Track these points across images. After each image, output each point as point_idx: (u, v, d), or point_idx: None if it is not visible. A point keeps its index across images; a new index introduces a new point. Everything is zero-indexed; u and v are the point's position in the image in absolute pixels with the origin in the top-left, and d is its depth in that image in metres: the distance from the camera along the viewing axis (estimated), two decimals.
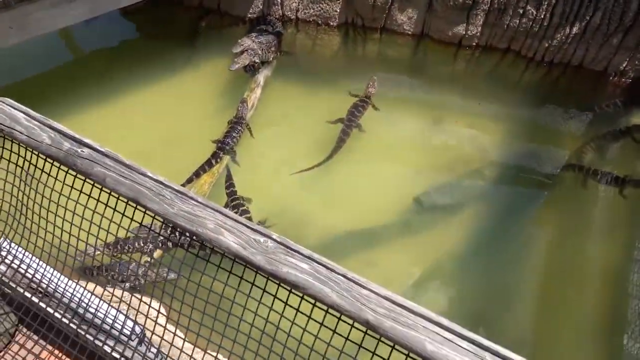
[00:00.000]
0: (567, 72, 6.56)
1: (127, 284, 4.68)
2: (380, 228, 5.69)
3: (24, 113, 2.28)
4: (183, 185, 5.56)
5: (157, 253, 4.92)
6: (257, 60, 6.67)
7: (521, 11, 6.27)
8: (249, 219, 5.21)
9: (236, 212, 5.25)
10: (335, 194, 5.93)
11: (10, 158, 2.49)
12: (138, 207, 2.02)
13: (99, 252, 4.80)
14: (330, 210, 5.84)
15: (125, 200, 2.10)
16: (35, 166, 2.39)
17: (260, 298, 2.05)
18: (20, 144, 2.34)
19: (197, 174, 5.65)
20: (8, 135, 2.29)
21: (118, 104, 6.74)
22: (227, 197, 5.45)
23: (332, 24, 7.30)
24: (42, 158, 2.33)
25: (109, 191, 2.11)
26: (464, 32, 6.68)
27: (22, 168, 2.46)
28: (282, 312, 2.01)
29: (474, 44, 6.81)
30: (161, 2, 7.52)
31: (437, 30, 6.85)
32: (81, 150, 2.11)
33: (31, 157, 2.38)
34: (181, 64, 7.29)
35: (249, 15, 7.51)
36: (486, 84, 6.85)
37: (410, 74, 7.18)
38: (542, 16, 6.20)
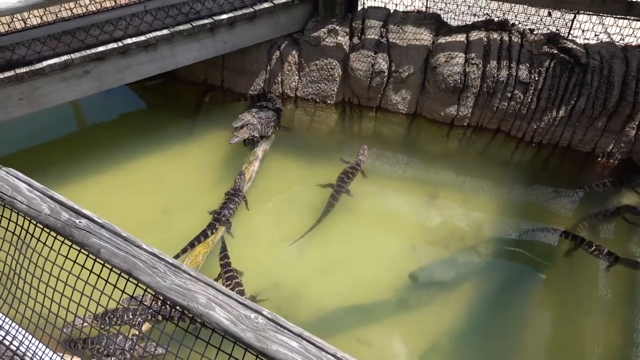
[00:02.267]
0: (556, 153, 6.77)
1: (113, 359, 4.52)
2: (374, 304, 5.61)
3: (26, 183, 2.35)
4: (178, 255, 5.54)
5: (145, 326, 4.80)
6: (256, 135, 6.89)
7: (509, 95, 6.59)
8: (241, 292, 5.15)
9: (229, 285, 5.19)
10: (330, 268, 5.90)
11: (7, 226, 2.52)
12: (130, 279, 2.03)
13: (86, 324, 4.69)
14: (324, 284, 5.79)
15: (118, 272, 2.11)
16: (32, 235, 2.42)
17: None
18: (19, 213, 2.39)
19: (192, 244, 5.66)
20: (9, 205, 2.34)
21: (120, 172, 6.89)
22: (220, 269, 5.41)
23: (329, 102, 7.62)
24: (39, 227, 2.36)
25: (102, 262, 2.12)
26: (455, 113, 6.97)
27: (17, 236, 2.48)
28: None
29: (465, 124, 7.08)
30: (167, 77, 7.87)
31: (430, 111, 7.15)
32: (79, 221, 2.15)
33: (28, 226, 2.41)
34: (183, 135, 7.52)
35: (250, 92, 7.86)
36: (478, 162, 7.04)
37: (405, 150, 7.40)
38: (529, 100, 6.51)
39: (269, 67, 7.60)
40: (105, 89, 6.32)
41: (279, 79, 7.62)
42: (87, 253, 2.18)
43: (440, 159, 7.18)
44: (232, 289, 5.13)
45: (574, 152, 6.71)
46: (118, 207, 6.42)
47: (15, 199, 2.29)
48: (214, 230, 5.82)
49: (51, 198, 2.27)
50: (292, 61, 7.48)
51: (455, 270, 5.87)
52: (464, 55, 6.61)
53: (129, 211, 6.40)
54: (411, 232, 6.32)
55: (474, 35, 6.63)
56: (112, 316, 4.86)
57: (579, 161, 6.69)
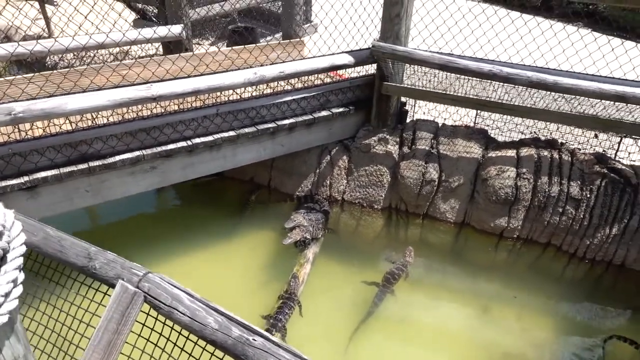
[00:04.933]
0: (610, 270, 6.73)
1: None
2: None
3: (185, 292, 2.27)
4: None
5: None
6: (308, 237, 6.87)
7: (560, 210, 6.70)
8: None
9: None
10: None
11: (149, 337, 2.40)
12: None
13: None
14: None
15: None
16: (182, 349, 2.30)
17: None
18: (166, 322, 2.28)
19: None
20: (166, 315, 2.24)
21: (159, 269, 6.70)
22: None
23: (376, 207, 7.70)
24: (187, 337, 2.25)
25: None
26: (505, 225, 7.03)
27: (162, 350, 2.35)
28: None
29: (515, 236, 7.11)
30: (216, 174, 8.00)
31: (479, 221, 7.22)
32: (252, 339, 2.05)
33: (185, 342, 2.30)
34: (226, 233, 7.46)
35: (297, 194, 7.96)
36: (529, 276, 6.96)
37: (452, 260, 7.34)
38: (582, 216, 6.61)
39: (318, 170, 7.78)
40: (167, 184, 6.40)
41: (328, 182, 7.77)
42: None
43: (489, 270, 7.10)
44: None
45: (629, 271, 6.68)
46: None
47: (176, 309, 2.21)
48: None
49: (216, 310, 2.19)
50: (341, 165, 7.69)
51: None
52: (515, 169, 6.83)
53: None
54: (465, 350, 6.05)
55: (524, 151, 6.90)
56: None
57: (634, 280, 6.64)
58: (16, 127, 5.09)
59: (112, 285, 2.38)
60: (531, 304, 6.60)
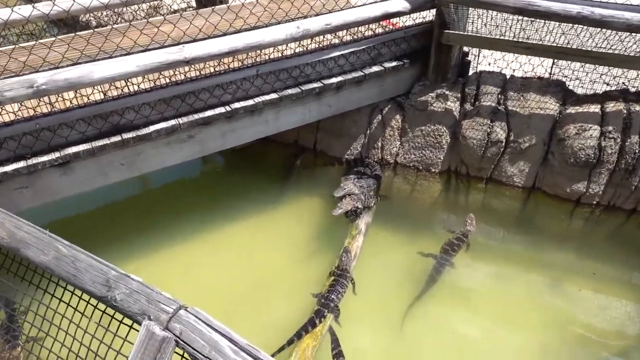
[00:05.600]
0: None
1: None
2: None
3: (227, 337, 1.75)
4: (283, 347, 4.87)
5: None
6: (359, 206, 6.30)
7: None
8: None
9: None
10: None
11: None
12: None
13: None
14: None
15: None
16: None
17: None
18: None
19: (299, 335, 4.97)
20: None
21: (200, 241, 6.32)
22: None
23: (433, 170, 6.99)
24: None
25: None
26: (583, 190, 6.20)
27: None
28: None
29: (595, 202, 6.29)
30: None
31: (552, 185, 6.41)
32: None
33: None
34: (271, 201, 6.99)
35: (346, 157, 7.34)
36: (609, 246, 6.19)
37: (519, 229, 6.62)
38: None
39: (368, 131, 7.09)
40: (206, 153, 5.92)
41: (379, 143, 7.08)
42: None
43: (562, 240, 6.35)
44: None
45: None
46: (204, 281, 5.85)
47: None
48: (322, 319, 5.14)
49: None
50: (394, 126, 6.95)
51: None
52: (598, 127, 5.90)
53: (217, 286, 5.83)
54: (537, 327, 5.44)
55: (611, 105, 5.93)
56: None
57: None
58: (41, 100, 4.66)
59: (137, 322, 1.89)
60: (611, 278, 5.87)
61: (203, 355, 1.73)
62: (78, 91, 4.81)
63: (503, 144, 6.41)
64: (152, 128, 5.24)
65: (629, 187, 6.01)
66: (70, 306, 2.34)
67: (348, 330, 5.25)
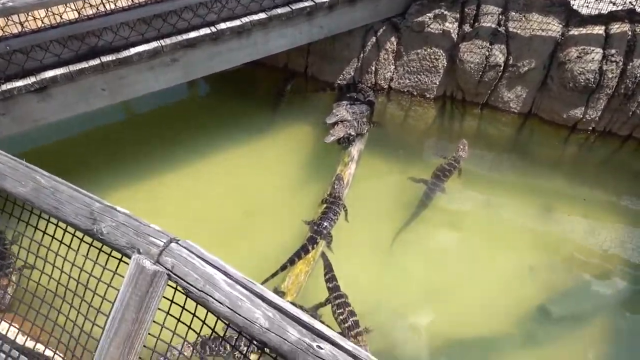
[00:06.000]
0: None
1: None
2: (495, 337, 4.93)
3: (222, 271, 1.68)
4: (277, 272, 4.93)
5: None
6: (352, 133, 6.16)
7: None
8: (356, 322, 4.50)
9: (341, 313, 4.55)
10: (436, 290, 5.23)
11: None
12: None
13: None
14: (432, 308, 5.12)
15: None
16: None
17: None
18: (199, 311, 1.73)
19: (291, 261, 5.02)
20: (198, 301, 1.68)
21: (191, 170, 6.19)
22: (328, 292, 4.79)
23: (428, 96, 6.79)
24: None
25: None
26: (580, 116, 6.09)
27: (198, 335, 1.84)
28: None
29: (591, 128, 6.20)
30: None
31: (549, 111, 6.28)
32: (318, 346, 1.48)
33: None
34: (260, 128, 6.79)
35: (338, 82, 7.07)
36: (601, 172, 6.20)
37: (513, 155, 6.57)
38: None
39: (362, 55, 6.77)
40: (192, 78, 5.63)
41: (373, 67, 6.81)
42: None
43: (554, 166, 6.34)
44: (345, 319, 4.52)
45: None
46: (194, 212, 5.76)
47: (210, 295, 1.63)
48: (314, 245, 5.17)
49: (264, 300, 1.60)
50: (389, 49, 6.64)
51: (590, 302, 5.14)
52: (601, 50, 5.67)
53: (207, 213, 5.77)
54: (526, 250, 5.56)
55: (616, 27, 5.66)
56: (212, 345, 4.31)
57: None
58: (10, 18, 4.28)
59: (127, 255, 1.80)
60: (600, 203, 5.93)
61: (197, 289, 1.66)
62: (49, 10, 4.43)
63: (501, 67, 6.19)
64: (133, 50, 4.91)
65: (627, 113, 5.90)
66: (57, 240, 2.23)
67: (340, 256, 5.30)
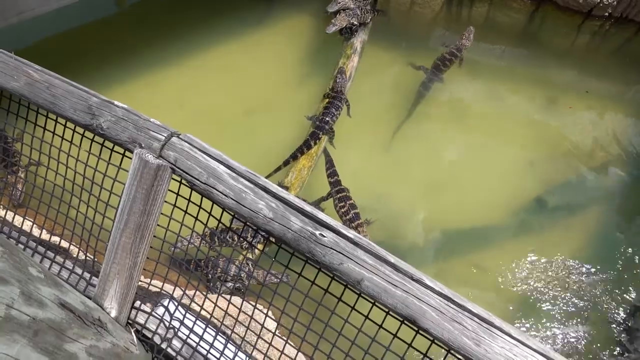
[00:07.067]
0: None
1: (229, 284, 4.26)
2: (491, 227, 5.14)
3: (225, 164, 1.69)
4: (279, 168, 4.99)
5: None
6: (355, 22, 5.85)
7: None
8: (357, 215, 4.66)
9: (342, 207, 4.69)
10: (435, 183, 5.34)
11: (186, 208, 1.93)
12: (414, 326, 1.47)
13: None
14: (431, 201, 5.27)
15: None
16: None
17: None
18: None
19: (294, 157, 5.06)
20: (203, 193, 1.71)
21: (187, 64, 5.97)
22: (330, 187, 4.89)
23: None
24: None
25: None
26: (598, 0, 5.73)
27: (205, 226, 1.90)
28: None
29: (607, 14, 5.87)
30: None
31: None
32: (320, 234, 1.53)
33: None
34: (256, 20, 6.44)
35: None
36: (612, 62, 6.00)
37: (521, 44, 6.30)
38: None
39: None
40: None
41: None
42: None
43: (564, 56, 6.12)
44: (346, 212, 4.66)
45: None
46: (193, 107, 5.61)
47: (214, 188, 1.66)
48: (317, 140, 5.17)
49: (267, 192, 1.63)
50: None
51: (585, 195, 5.26)
52: None
53: (207, 112, 5.66)
54: (527, 144, 5.58)
55: None
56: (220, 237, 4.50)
57: None
58: None
59: (129, 150, 1.80)
60: (605, 94, 5.83)
61: (201, 182, 1.68)
62: None
63: None
64: None
65: None
66: (59, 135, 2.22)
67: (342, 151, 5.33)
